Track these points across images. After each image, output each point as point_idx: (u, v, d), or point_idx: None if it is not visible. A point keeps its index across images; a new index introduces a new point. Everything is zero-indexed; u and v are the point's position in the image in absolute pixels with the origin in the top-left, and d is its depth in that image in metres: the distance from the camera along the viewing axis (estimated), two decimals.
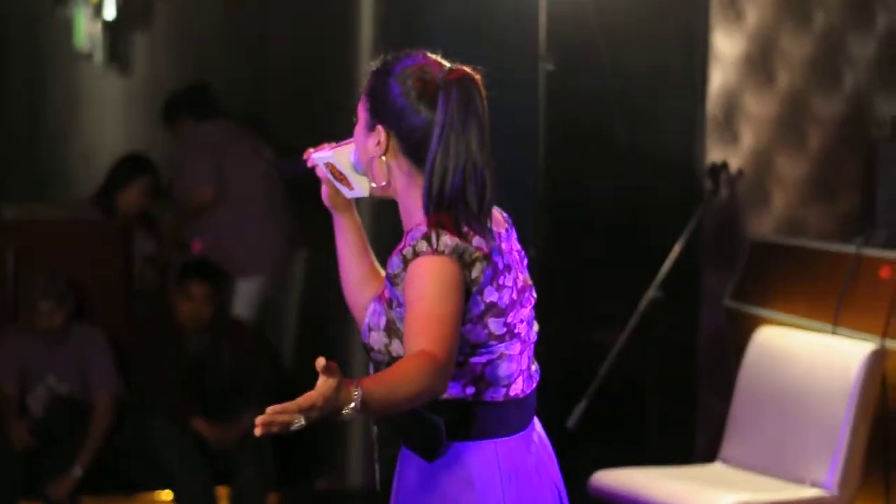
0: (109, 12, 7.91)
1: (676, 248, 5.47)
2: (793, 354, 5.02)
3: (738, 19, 5.93)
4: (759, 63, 5.94)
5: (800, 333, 5.10)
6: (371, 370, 2.80)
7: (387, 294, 2.72)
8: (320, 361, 2.36)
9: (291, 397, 2.38)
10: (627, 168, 5.81)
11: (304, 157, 2.97)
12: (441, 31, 5.79)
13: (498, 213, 2.84)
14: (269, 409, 2.33)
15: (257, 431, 2.33)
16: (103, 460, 5.89)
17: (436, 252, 2.60)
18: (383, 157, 2.77)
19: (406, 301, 2.62)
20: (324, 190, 2.97)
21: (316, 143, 2.97)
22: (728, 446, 5.09)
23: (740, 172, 5.84)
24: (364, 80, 2.84)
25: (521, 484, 2.77)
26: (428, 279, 2.59)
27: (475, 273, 2.64)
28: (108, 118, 8.26)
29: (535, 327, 2.85)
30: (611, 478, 5.01)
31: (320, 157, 2.93)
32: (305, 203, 6.61)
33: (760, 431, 4.99)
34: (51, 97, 8.56)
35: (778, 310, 5.34)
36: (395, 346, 2.70)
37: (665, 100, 5.91)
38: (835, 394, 4.79)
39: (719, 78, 5.90)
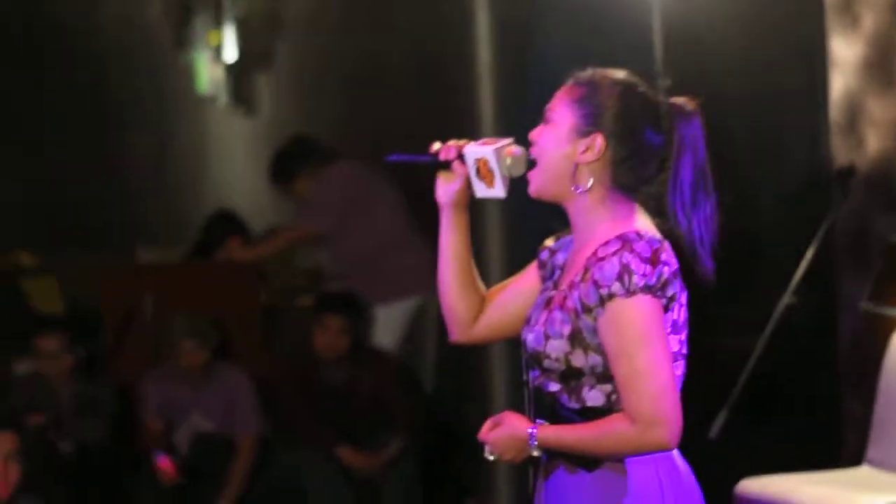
0: (230, 55, 7.96)
1: (809, 254, 5.44)
2: None
3: (855, 24, 5.91)
4: (880, 66, 5.91)
5: None
6: (526, 375, 2.83)
7: (570, 304, 2.73)
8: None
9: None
10: (753, 176, 5.80)
11: (436, 148, 2.94)
12: (554, 49, 5.82)
13: None
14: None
15: None
16: (248, 497, 5.99)
17: (628, 293, 2.65)
18: (589, 165, 2.78)
19: (607, 352, 2.69)
20: (441, 184, 2.94)
21: (431, 175, 2.94)
22: (874, 449, 5.04)
23: (869, 175, 5.80)
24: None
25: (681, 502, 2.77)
26: (625, 330, 2.65)
27: (670, 291, 2.69)
28: (236, 160, 8.36)
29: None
30: (757, 486, 4.96)
31: (475, 151, 2.87)
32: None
33: None
34: (178, 142, 8.68)
35: None
36: (577, 357, 2.73)
37: (787, 109, 5.90)
38: None
39: (840, 84, 5.88)
